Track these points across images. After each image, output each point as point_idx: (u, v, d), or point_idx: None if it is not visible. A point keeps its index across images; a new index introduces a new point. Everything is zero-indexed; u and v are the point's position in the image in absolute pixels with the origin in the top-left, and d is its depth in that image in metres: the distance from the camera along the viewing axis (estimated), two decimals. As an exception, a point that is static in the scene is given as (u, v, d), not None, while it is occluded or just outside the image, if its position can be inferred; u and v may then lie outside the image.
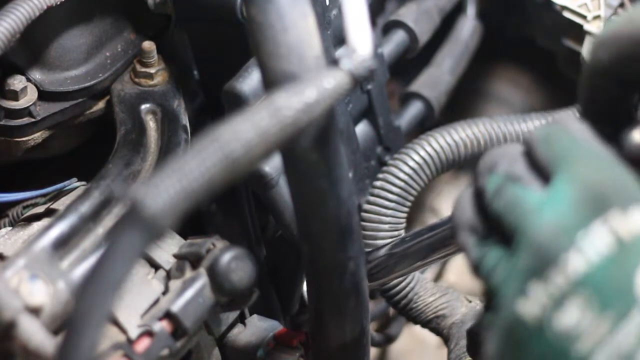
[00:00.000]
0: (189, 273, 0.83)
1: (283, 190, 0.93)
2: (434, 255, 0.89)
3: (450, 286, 1.04)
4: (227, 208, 1.03)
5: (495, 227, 0.64)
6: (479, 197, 0.66)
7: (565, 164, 0.62)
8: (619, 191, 0.60)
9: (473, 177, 0.67)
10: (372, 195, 0.99)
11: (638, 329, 0.57)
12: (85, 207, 0.86)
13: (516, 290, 0.60)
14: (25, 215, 0.91)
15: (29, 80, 0.96)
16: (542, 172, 0.63)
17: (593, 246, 0.59)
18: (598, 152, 0.63)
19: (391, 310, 1.18)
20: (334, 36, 0.99)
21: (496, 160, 0.65)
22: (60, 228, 0.84)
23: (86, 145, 1.05)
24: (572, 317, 0.58)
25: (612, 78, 0.65)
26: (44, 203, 0.92)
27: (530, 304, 0.60)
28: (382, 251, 0.91)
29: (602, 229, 0.59)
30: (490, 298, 0.63)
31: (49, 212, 0.88)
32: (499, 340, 0.61)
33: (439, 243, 0.87)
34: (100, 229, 0.85)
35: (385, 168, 1.00)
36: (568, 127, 0.65)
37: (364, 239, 0.97)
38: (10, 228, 0.90)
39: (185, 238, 0.88)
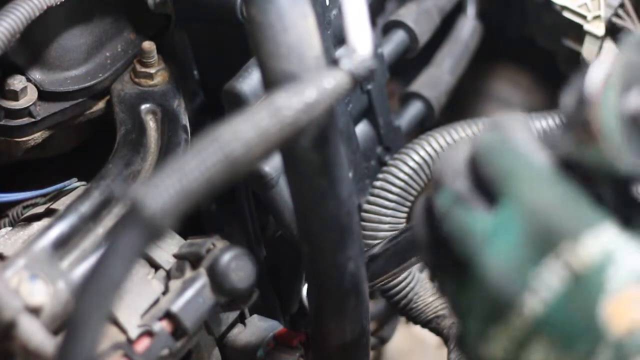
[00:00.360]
0: (189, 273, 0.83)
1: (283, 190, 0.93)
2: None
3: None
4: (227, 208, 1.03)
5: (449, 253, 0.61)
6: (430, 214, 0.64)
7: (510, 186, 0.59)
8: (568, 218, 0.57)
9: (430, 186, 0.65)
10: (372, 195, 0.99)
11: None
12: (85, 207, 0.86)
13: (477, 332, 0.59)
14: (25, 215, 0.91)
15: (29, 80, 0.96)
16: (487, 190, 0.60)
17: (546, 285, 0.56)
18: (542, 169, 0.59)
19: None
20: (334, 36, 0.99)
21: (443, 172, 0.63)
22: (60, 228, 0.84)
23: (86, 145, 1.05)
24: (536, 359, 0.57)
25: None
26: (44, 203, 0.92)
27: (492, 348, 0.58)
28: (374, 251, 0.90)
29: (554, 265, 0.57)
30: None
31: (49, 212, 0.88)
32: None
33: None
34: (100, 229, 0.85)
35: (385, 168, 1.00)
36: (511, 138, 0.61)
37: (364, 239, 0.97)
38: (10, 228, 0.90)
39: (185, 238, 0.88)
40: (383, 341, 1.21)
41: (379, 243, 0.89)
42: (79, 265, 0.82)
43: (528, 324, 0.57)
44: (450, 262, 0.61)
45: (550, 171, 0.59)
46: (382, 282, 0.90)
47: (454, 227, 0.61)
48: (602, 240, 0.56)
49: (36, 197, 0.93)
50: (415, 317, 1.02)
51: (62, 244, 0.83)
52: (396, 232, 0.89)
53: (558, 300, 0.56)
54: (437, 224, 0.62)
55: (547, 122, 0.98)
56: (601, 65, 0.58)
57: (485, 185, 0.61)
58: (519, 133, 0.61)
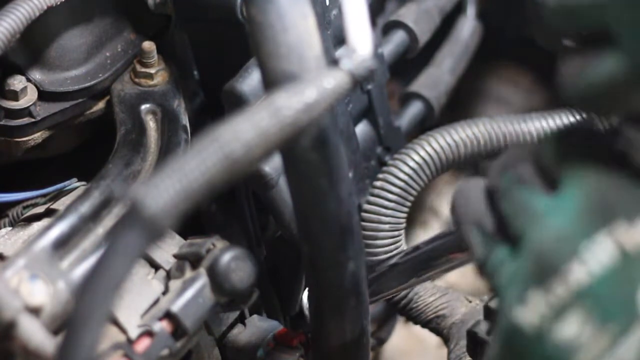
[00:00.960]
0: (189, 273, 0.83)
1: (283, 190, 0.93)
2: (431, 271, 0.88)
3: (450, 286, 1.04)
4: (227, 208, 1.03)
5: (503, 227, 0.63)
6: (491, 195, 0.65)
7: (573, 171, 0.61)
8: (626, 201, 0.59)
9: (485, 174, 0.66)
10: (372, 195, 0.99)
11: (638, 344, 0.56)
12: (85, 207, 0.86)
13: (517, 297, 0.60)
14: (25, 215, 0.91)
15: (29, 80, 0.96)
16: (551, 177, 0.62)
17: (596, 257, 0.58)
18: (606, 160, 0.62)
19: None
20: (334, 36, 0.99)
21: (508, 162, 0.65)
22: (60, 228, 0.84)
23: (86, 145, 1.05)
24: (571, 329, 0.57)
25: None
26: (44, 203, 0.92)
27: (530, 313, 0.59)
28: (381, 267, 0.91)
29: (606, 240, 0.58)
30: (497, 297, 0.63)
31: (49, 212, 0.88)
32: (499, 346, 0.61)
33: (434, 257, 0.87)
34: (100, 229, 0.85)
35: (385, 168, 1.00)
36: (578, 135, 0.64)
37: (364, 239, 0.97)
38: (10, 228, 0.90)
39: (185, 238, 0.88)
40: (381, 342, 1.21)
41: (397, 254, 0.90)
42: (79, 265, 0.82)
43: (570, 292, 0.58)
44: (502, 235, 0.63)
45: (614, 163, 0.61)
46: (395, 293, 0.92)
47: (514, 204, 0.62)
48: None
49: (36, 197, 0.93)
50: (415, 317, 1.02)
51: (62, 244, 0.83)
52: (418, 243, 0.90)
53: (604, 275, 0.57)
54: (498, 202, 0.64)
55: (547, 122, 0.98)
56: None
57: (549, 174, 0.62)
58: (587, 133, 0.64)
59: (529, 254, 0.60)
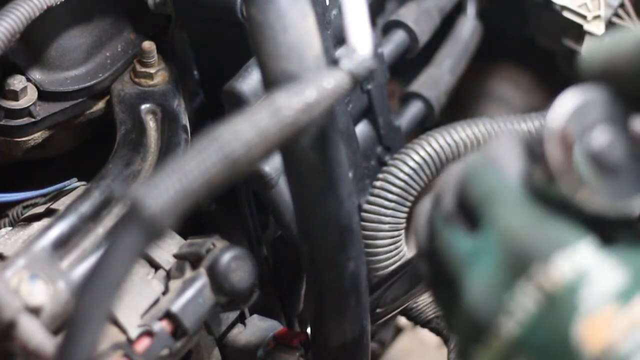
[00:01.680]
0: (189, 273, 0.83)
1: (283, 190, 0.93)
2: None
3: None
4: (227, 208, 1.03)
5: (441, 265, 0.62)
6: (429, 227, 0.64)
7: (488, 209, 0.60)
8: (539, 239, 0.57)
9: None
10: (372, 195, 0.99)
11: None
12: (85, 207, 0.86)
13: (464, 349, 0.60)
14: (25, 215, 0.91)
15: (29, 80, 0.96)
16: (470, 213, 0.61)
17: (521, 307, 0.57)
18: (519, 192, 0.59)
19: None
20: (334, 36, 0.99)
21: (442, 187, 0.63)
22: (60, 228, 0.84)
23: (86, 145, 1.05)
24: None
25: None
26: (44, 203, 0.92)
27: None
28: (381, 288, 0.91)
29: (527, 286, 0.57)
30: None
31: (49, 212, 0.88)
32: None
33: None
34: (100, 229, 0.85)
35: (385, 168, 1.00)
36: (495, 158, 0.61)
37: (364, 239, 0.97)
38: (10, 228, 0.90)
39: (185, 238, 0.88)
40: (382, 344, 1.21)
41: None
42: (79, 265, 0.82)
43: (506, 345, 0.57)
44: (443, 276, 0.62)
45: (528, 193, 0.59)
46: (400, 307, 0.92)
47: (441, 244, 0.62)
48: (576, 260, 0.56)
49: (36, 197, 0.93)
50: (415, 317, 1.02)
51: (62, 244, 0.83)
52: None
53: (533, 322, 0.56)
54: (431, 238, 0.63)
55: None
56: (564, 103, 0.58)
57: (469, 210, 0.61)
58: (505, 153, 0.61)
59: (463, 310, 0.59)
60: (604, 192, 0.57)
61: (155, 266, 0.85)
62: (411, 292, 0.90)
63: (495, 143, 0.62)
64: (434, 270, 0.63)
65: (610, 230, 0.58)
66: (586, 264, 0.56)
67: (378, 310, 0.89)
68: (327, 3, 0.99)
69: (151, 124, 0.96)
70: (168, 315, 0.80)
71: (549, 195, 0.58)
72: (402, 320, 1.23)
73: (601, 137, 0.58)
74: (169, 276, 0.84)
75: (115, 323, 0.80)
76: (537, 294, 0.56)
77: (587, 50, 0.60)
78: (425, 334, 1.06)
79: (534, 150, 0.59)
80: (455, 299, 0.60)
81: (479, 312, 0.58)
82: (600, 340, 0.54)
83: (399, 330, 1.31)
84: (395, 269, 0.92)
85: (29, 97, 0.95)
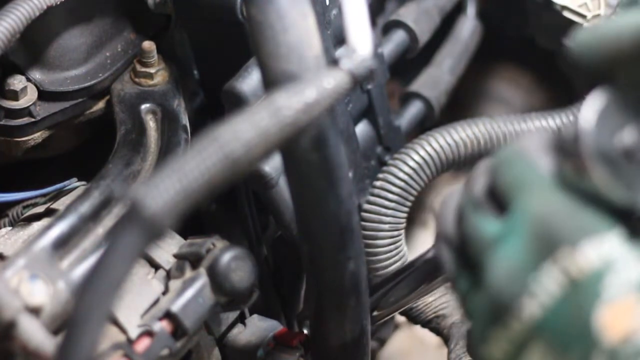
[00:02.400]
0: (189, 273, 0.83)
1: (283, 190, 0.93)
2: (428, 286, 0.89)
3: (450, 286, 1.04)
4: (227, 208, 1.03)
5: (464, 249, 0.63)
6: (459, 213, 0.65)
7: (519, 195, 0.61)
8: (568, 225, 0.58)
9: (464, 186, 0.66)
10: (372, 195, 0.99)
11: None
12: (85, 207, 0.86)
13: (480, 333, 0.60)
14: (25, 215, 0.91)
15: (29, 80, 0.96)
16: (499, 200, 0.62)
17: (545, 289, 0.57)
18: (550, 180, 0.61)
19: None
20: (334, 36, 0.99)
21: (472, 176, 0.65)
22: (60, 228, 0.84)
23: (86, 145, 1.05)
24: None
25: None
26: (44, 203, 0.92)
27: (493, 349, 0.59)
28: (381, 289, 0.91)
29: (552, 269, 0.57)
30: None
31: (49, 212, 0.88)
32: None
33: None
34: (100, 229, 0.85)
35: (385, 168, 1.00)
36: (524, 149, 0.63)
37: (364, 239, 0.97)
38: (10, 228, 0.90)
39: (185, 238, 0.88)
40: (382, 342, 1.21)
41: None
42: (79, 265, 0.82)
43: (526, 327, 0.58)
44: (466, 261, 0.63)
45: (558, 182, 0.61)
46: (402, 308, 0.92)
47: (468, 229, 0.63)
48: (603, 249, 0.57)
49: (36, 197, 0.93)
50: (415, 317, 1.02)
51: (62, 244, 0.83)
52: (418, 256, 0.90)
53: (555, 305, 0.57)
54: (460, 222, 0.64)
55: (547, 122, 0.98)
56: (595, 101, 0.59)
57: (498, 196, 0.62)
58: (536, 147, 0.63)
59: (486, 290, 0.60)
60: (634, 186, 0.59)
61: (155, 266, 0.85)
62: (410, 297, 0.90)
63: (525, 138, 0.63)
64: (457, 254, 0.64)
65: (637, 224, 0.59)
66: (613, 253, 0.57)
67: (375, 313, 0.90)
68: (327, 3, 0.99)
69: (151, 124, 0.96)
70: (168, 315, 0.80)
71: (580, 188, 0.59)
72: (401, 318, 1.23)
73: (631, 134, 0.59)
74: (169, 276, 0.84)
75: (115, 323, 0.80)
76: (562, 277, 0.57)
77: (582, 44, 0.61)
78: (425, 334, 1.06)
79: (564, 145, 0.61)
80: (476, 281, 0.61)
81: (502, 293, 0.59)
82: (620, 328, 0.55)
83: (395, 327, 1.31)
84: (395, 273, 0.92)
85: (29, 97, 0.95)
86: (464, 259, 0.63)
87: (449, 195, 0.67)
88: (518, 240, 0.59)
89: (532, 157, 0.62)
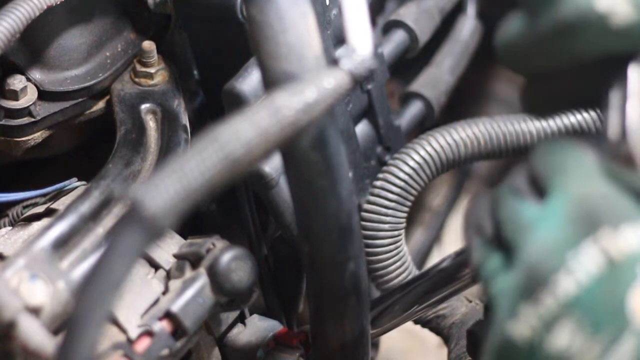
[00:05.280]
0: (189, 273, 0.83)
1: (283, 190, 0.93)
2: (435, 296, 0.89)
3: (450, 286, 1.04)
4: (227, 208, 1.03)
5: (498, 235, 0.64)
6: (492, 202, 0.66)
7: (559, 179, 0.62)
8: (611, 208, 0.59)
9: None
10: (372, 195, 0.99)
11: (629, 353, 0.56)
12: (85, 207, 0.86)
13: (508, 309, 0.60)
14: (25, 215, 0.91)
15: (29, 80, 0.96)
16: (539, 185, 0.63)
17: (583, 267, 0.58)
18: (593, 166, 0.62)
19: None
20: (334, 36, 0.99)
21: (513, 172, 0.66)
22: (60, 228, 0.84)
23: (86, 145, 1.05)
24: (562, 340, 0.57)
25: None
26: (44, 203, 0.92)
27: (521, 326, 0.59)
28: (387, 299, 0.91)
29: (592, 248, 0.58)
30: (488, 306, 0.63)
31: (49, 212, 0.88)
32: (492, 358, 0.61)
33: (438, 283, 0.88)
34: (100, 229, 0.85)
35: (385, 168, 1.00)
36: (570, 144, 0.64)
37: (364, 239, 0.97)
38: (10, 228, 0.90)
39: (185, 238, 0.88)
40: (375, 346, 1.21)
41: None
42: (79, 265, 0.82)
43: (559, 303, 0.58)
44: (497, 242, 0.63)
45: (599, 169, 0.62)
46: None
47: (506, 212, 0.63)
48: None
49: (36, 197, 0.93)
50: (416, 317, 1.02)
51: (62, 244, 0.83)
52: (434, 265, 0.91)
53: (591, 284, 0.57)
54: (493, 210, 0.65)
55: (547, 122, 0.98)
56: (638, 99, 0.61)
57: (538, 182, 0.63)
58: (578, 141, 0.64)
59: (519, 266, 0.60)
60: None
61: (155, 266, 0.85)
62: (405, 316, 0.91)
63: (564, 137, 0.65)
64: (487, 240, 0.64)
65: None
66: None
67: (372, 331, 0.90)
68: (327, 3, 0.99)
69: (151, 124, 0.96)
70: (168, 315, 0.80)
71: (624, 179, 0.60)
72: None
73: None
74: (169, 276, 0.84)
75: (115, 323, 0.80)
76: (601, 257, 0.58)
77: (504, 41, 0.64)
78: (426, 334, 1.06)
79: (610, 142, 0.62)
80: (508, 260, 0.61)
81: (537, 268, 0.59)
82: None
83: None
84: (392, 291, 0.92)
85: (29, 97, 0.95)
86: (495, 243, 0.63)
87: (477, 195, 0.68)
88: (558, 220, 0.60)
89: (575, 148, 0.63)
